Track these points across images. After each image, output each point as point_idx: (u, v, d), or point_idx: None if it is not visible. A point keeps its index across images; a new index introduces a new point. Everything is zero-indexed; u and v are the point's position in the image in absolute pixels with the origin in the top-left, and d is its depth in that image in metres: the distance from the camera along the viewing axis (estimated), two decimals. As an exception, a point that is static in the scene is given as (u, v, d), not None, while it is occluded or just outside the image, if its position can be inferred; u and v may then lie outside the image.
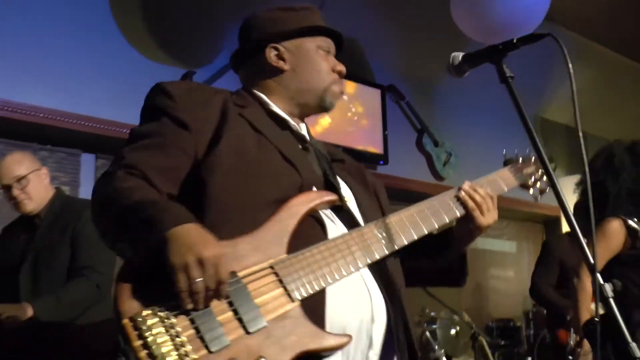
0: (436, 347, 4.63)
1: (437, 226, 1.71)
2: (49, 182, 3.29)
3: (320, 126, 5.40)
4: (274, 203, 1.49)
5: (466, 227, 1.77)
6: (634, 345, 1.36)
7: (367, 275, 1.56)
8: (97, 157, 4.70)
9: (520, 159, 2.05)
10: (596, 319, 1.44)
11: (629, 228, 3.15)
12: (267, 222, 1.46)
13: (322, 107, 1.81)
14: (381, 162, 5.86)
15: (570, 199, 6.87)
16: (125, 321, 1.23)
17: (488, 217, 1.75)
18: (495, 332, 6.40)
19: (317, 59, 1.77)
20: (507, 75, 1.67)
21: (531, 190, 2.05)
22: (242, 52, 1.81)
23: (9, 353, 2.89)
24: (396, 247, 1.60)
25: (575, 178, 7.08)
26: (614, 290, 1.41)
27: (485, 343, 4.80)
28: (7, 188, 3.12)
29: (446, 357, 5.02)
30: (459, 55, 1.78)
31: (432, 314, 4.93)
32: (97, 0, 4.58)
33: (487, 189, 1.80)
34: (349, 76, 5.67)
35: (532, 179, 2.03)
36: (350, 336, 1.42)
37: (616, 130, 8.12)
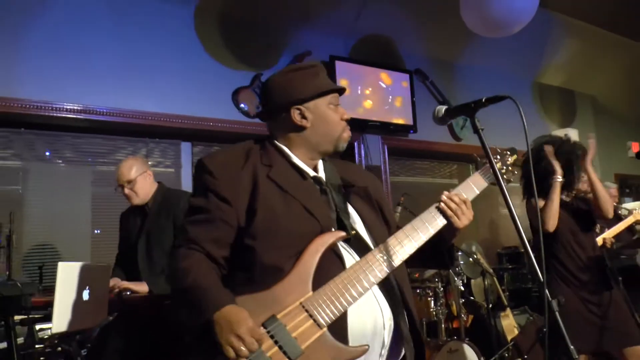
0: (456, 278, 4.66)
1: (425, 239, 1.69)
2: (153, 180, 3.35)
3: (363, 108, 5.46)
4: (300, 251, 1.54)
5: (448, 229, 1.76)
6: (572, 348, 1.44)
7: (376, 291, 1.59)
8: (193, 144, 4.83)
9: (497, 157, 2.01)
10: (545, 329, 1.51)
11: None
12: (295, 267, 1.51)
13: (336, 150, 1.79)
14: (411, 131, 5.89)
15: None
16: None
17: (463, 219, 1.75)
18: (504, 258, 6.39)
19: (330, 115, 1.75)
20: (479, 128, 1.68)
21: (502, 178, 1.96)
22: (269, 111, 1.78)
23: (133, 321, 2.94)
24: (394, 266, 1.61)
25: (566, 131, 7.00)
26: (558, 304, 1.48)
27: (495, 279, 4.81)
28: (121, 187, 3.24)
29: (466, 279, 5.09)
30: (442, 109, 1.79)
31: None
32: (184, 23, 4.68)
33: (461, 195, 1.78)
34: (385, 66, 5.75)
35: (504, 170, 1.99)
36: (367, 345, 1.50)
37: (601, 89, 7.94)
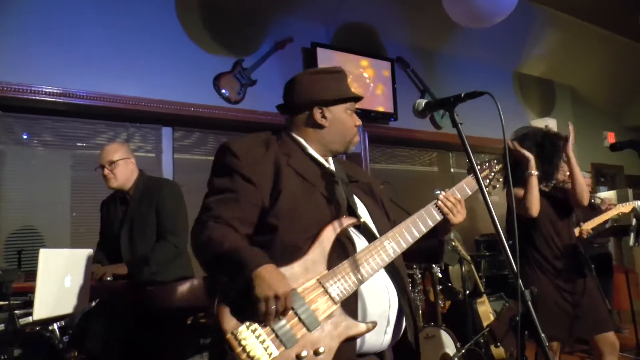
0: (434, 265, 4.73)
1: (425, 230, 1.82)
2: (135, 168, 3.34)
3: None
4: (317, 233, 1.65)
5: (443, 224, 1.88)
6: (543, 336, 1.50)
7: (383, 274, 1.73)
8: (174, 129, 4.83)
9: (482, 166, 2.12)
10: (517, 317, 1.58)
11: None
12: (312, 247, 1.63)
13: (345, 151, 1.93)
14: (392, 119, 5.93)
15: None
16: (229, 336, 1.47)
17: (458, 217, 1.88)
18: (482, 245, 6.50)
19: (346, 120, 1.89)
20: (458, 122, 1.73)
21: (487, 189, 2.11)
22: (292, 105, 1.90)
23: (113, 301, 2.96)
24: (399, 251, 1.75)
25: (545, 121, 7.11)
26: (531, 294, 1.54)
27: (473, 267, 4.89)
28: (102, 167, 3.23)
29: (444, 266, 5.17)
30: (422, 103, 1.83)
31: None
32: (166, 8, 4.65)
33: (456, 195, 1.92)
34: (366, 53, 5.77)
35: (487, 181, 2.11)
36: (375, 322, 1.62)
37: (580, 80, 8.05)
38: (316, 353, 1.52)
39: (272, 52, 5.16)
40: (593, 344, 3.20)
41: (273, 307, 1.47)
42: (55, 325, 2.46)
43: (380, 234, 1.77)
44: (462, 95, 1.72)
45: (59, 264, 2.45)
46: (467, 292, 4.71)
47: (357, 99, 1.95)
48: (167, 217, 3.17)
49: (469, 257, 4.85)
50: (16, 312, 2.40)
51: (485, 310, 4.94)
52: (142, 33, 4.48)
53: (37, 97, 3.99)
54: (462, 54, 6.75)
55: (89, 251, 2.67)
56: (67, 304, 2.48)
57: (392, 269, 1.76)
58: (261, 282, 1.47)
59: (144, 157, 4.58)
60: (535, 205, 3.09)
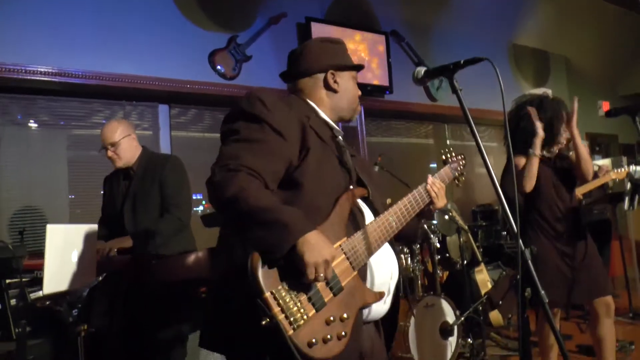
0: (431, 235, 4.80)
1: (417, 210, 1.92)
2: (137, 143, 3.35)
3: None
4: (335, 197, 1.66)
5: (428, 207, 2.00)
6: (543, 293, 1.57)
7: (387, 247, 1.78)
8: (170, 107, 4.85)
9: (450, 159, 2.24)
10: (518, 276, 1.64)
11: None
12: (332, 214, 1.62)
13: (350, 119, 1.97)
14: (387, 92, 5.96)
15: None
16: (268, 295, 1.40)
17: (441, 202, 2.01)
18: (479, 215, 6.57)
19: (354, 87, 1.94)
20: (457, 88, 1.77)
21: (456, 180, 2.26)
22: (303, 70, 1.90)
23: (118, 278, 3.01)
24: (402, 227, 1.82)
25: (540, 91, 7.14)
26: (531, 254, 1.60)
27: (470, 236, 4.96)
28: (105, 149, 3.24)
29: (441, 236, 5.25)
30: (421, 71, 1.86)
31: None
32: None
33: (440, 182, 2.04)
34: (360, 27, 5.78)
35: (458, 173, 2.23)
36: (383, 292, 1.68)
37: (574, 50, 8.08)
38: (341, 319, 1.52)
39: (266, 27, 5.16)
40: (590, 308, 3.26)
41: (322, 273, 1.44)
42: (64, 300, 2.52)
43: (379, 209, 1.83)
44: (462, 62, 1.74)
45: (66, 240, 2.50)
46: (465, 261, 4.79)
47: (360, 67, 2.01)
48: (171, 192, 3.19)
49: (466, 227, 4.92)
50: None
51: (483, 278, 5.03)
52: (136, 11, 4.47)
53: (33, 77, 3.99)
54: (456, 27, 6.75)
55: (94, 226, 2.72)
56: (74, 279, 2.52)
57: (390, 242, 1.82)
58: (311, 248, 1.43)
59: (141, 135, 4.56)
60: (530, 183, 3.13)
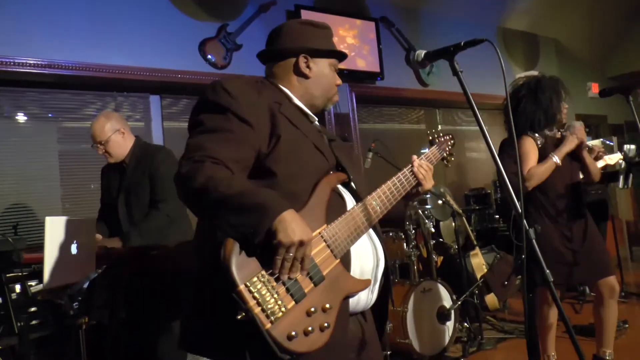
0: (426, 220, 4.84)
1: (403, 193, 1.87)
2: (129, 135, 3.32)
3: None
4: (313, 183, 1.59)
5: (415, 189, 1.94)
6: (548, 272, 1.59)
7: (371, 233, 1.72)
8: (161, 97, 4.82)
9: (437, 139, 2.20)
10: (523, 256, 1.65)
11: (534, 141, 3.25)
12: (310, 201, 1.55)
13: (323, 109, 1.89)
14: (379, 78, 5.96)
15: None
16: (242, 287, 1.31)
17: (429, 183, 1.96)
18: (471, 199, 6.58)
19: (330, 75, 1.86)
20: (458, 70, 1.76)
21: (445, 161, 2.23)
22: (276, 52, 1.82)
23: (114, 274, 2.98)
24: (386, 211, 1.75)
25: (531, 73, 7.16)
26: (535, 233, 1.61)
27: (464, 220, 4.99)
28: (96, 147, 3.22)
29: (435, 221, 5.28)
30: (421, 53, 1.86)
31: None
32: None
33: (428, 163, 1.98)
34: (350, 14, 5.76)
35: (446, 153, 2.20)
36: (370, 280, 1.61)
37: (563, 32, 8.10)
38: (324, 310, 1.45)
39: (256, 15, 5.13)
40: (594, 289, 3.29)
41: (296, 254, 1.36)
42: (65, 293, 2.51)
43: (361, 193, 1.76)
44: (462, 43, 1.74)
45: (65, 232, 2.50)
46: (458, 246, 4.83)
47: (342, 55, 1.91)
48: (160, 184, 3.17)
49: (460, 211, 4.96)
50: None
51: (479, 262, 5.09)
52: (126, 1, 4.43)
53: (22, 70, 3.95)
54: (445, 11, 6.75)
55: (93, 218, 2.71)
56: (75, 272, 2.52)
57: (375, 228, 1.76)
58: (286, 226, 1.34)
59: (133, 127, 4.48)
60: (535, 182, 3.13)
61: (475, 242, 5.15)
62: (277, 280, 1.38)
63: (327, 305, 1.45)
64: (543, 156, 3.20)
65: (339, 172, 1.73)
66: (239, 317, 1.31)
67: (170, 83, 4.64)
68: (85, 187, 4.35)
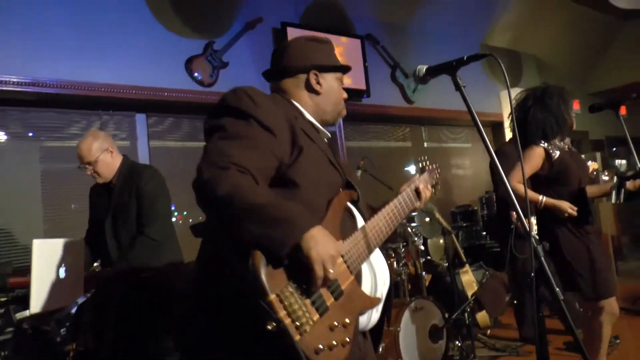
0: (415, 238, 4.80)
1: (407, 213, 1.91)
2: (117, 155, 3.25)
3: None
4: (329, 198, 1.61)
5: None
6: (558, 289, 1.56)
7: (378, 252, 1.73)
8: (148, 115, 4.75)
9: (427, 167, 2.22)
10: (532, 274, 1.63)
11: (546, 152, 3.21)
12: (328, 213, 1.56)
13: (333, 123, 1.91)
14: (365, 96, 5.95)
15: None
16: (273, 297, 1.29)
17: (424, 202, 2.01)
18: (458, 216, 6.59)
19: (338, 90, 1.87)
20: (461, 85, 1.75)
21: (434, 189, 2.22)
22: (286, 69, 1.83)
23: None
24: (392, 230, 1.78)
25: (514, 91, 7.23)
26: (543, 250, 1.59)
27: (454, 237, 4.96)
28: (83, 168, 3.14)
29: (423, 239, 5.25)
30: (422, 68, 1.84)
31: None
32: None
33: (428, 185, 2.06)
34: (336, 32, 5.76)
35: (435, 181, 2.21)
36: (380, 299, 1.63)
37: (543, 48, 8.20)
38: (344, 325, 1.45)
39: (243, 33, 5.11)
40: (592, 306, 3.21)
41: (330, 270, 1.36)
42: (52, 318, 2.42)
43: (363, 211, 1.78)
44: (465, 58, 1.74)
45: (53, 255, 2.41)
46: (449, 263, 4.79)
47: (347, 69, 1.94)
48: (146, 207, 3.10)
49: (450, 228, 4.93)
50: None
51: (469, 279, 5.05)
52: (112, 18, 4.37)
53: (4, 88, 3.86)
54: (429, 29, 6.80)
55: (80, 240, 2.62)
56: (62, 296, 2.43)
57: (382, 246, 1.77)
58: (317, 242, 1.34)
59: (119, 146, 4.40)
60: (503, 191, 3.07)
61: (464, 260, 5.11)
62: (302, 292, 1.38)
63: (347, 321, 1.46)
64: (560, 169, 3.18)
65: (349, 189, 1.74)
66: (269, 327, 1.27)
67: (157, 101, 4.57)
68: (68, 208, 4.25)
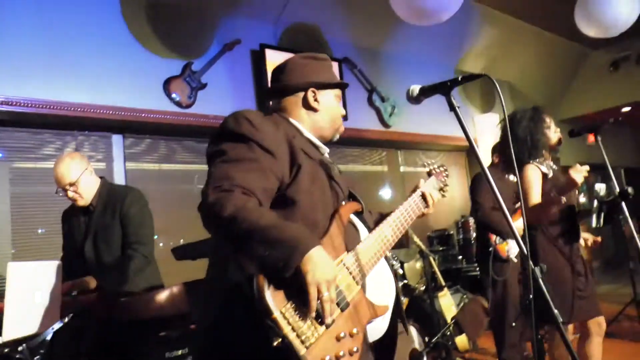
0: (394, 262, 4.79)
1: (413, 219, 1.94)
2: (95, 176, 3.16)
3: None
4: (331, 212, 1.66)
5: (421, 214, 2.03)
6: (556, 312, 1.57)
7: (383, 261, 1.76)
8: (124, 137, 4.66)
9: (434, 170, 2.24)
10: (531, 296, 1.63)
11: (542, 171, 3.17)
12: (331, 227, 1.62)
13: (332, 139, 1.94)
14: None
15: (487, 133, 7.10)
16: (277, 314, 1.35)
17: (432, 208, 2.05)
18: (435, 240, 6.63)
19: (336, 107, 1.91)
20: (455, 106, 1.75)
21: (442, 191, 2.23)
22: (285, 88, 1.86)
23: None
24: (397, 239, 1.81)
25: (488, 116, 7.35)
26: (541, 272, 1.59)
27: (432, 260, 4.95)
28: (63, 190, 3.02)
29: (400, 263, 5.23)
30: (416, 89, 1.84)
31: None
32: (111, 10, 4.48)
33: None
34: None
35: (442, 184, 2.22)
36: (388, 306, 1.66)
37: (516, 75, 8.36)
38: (351, 334, 1.50)
39: (221, 54, 5.07)
40: (581, 325, 3.21)
41: (326, 293, 1.40)
42: (24, 346, 2.30)
43: (368, 222, 1.83)
44: (459, 78, 1.75)
45: (28, 278, 2.31)
46: (427, 287, 4.77)
47: (345, 85, 1.99)
48: (133, 227, 3.03)
49: (428, 251, 4.92)
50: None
51: (447, 303, 5.04)
52: (88, 37, 4.29)
53: (-25, 107, 3.74)
54: (405, 54, 6.86)
55: (58, 263, 2.52)
56: (38, 322, 2.33)
57: (386, 257, 1.80)
58: (314, 267, 1.38)
59: (94, 168, 4.36)
60: (532, 219, 2.99)
61: (443, 283, 5.11)
62: (307, 307, 1.41)
63: (355, 330, 1.51)
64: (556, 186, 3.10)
65: (351, 202, 1.78)
66: (275, 343, 1.35)
67: (133, 122, 4.48)
68: (39, 232, 4.12)
